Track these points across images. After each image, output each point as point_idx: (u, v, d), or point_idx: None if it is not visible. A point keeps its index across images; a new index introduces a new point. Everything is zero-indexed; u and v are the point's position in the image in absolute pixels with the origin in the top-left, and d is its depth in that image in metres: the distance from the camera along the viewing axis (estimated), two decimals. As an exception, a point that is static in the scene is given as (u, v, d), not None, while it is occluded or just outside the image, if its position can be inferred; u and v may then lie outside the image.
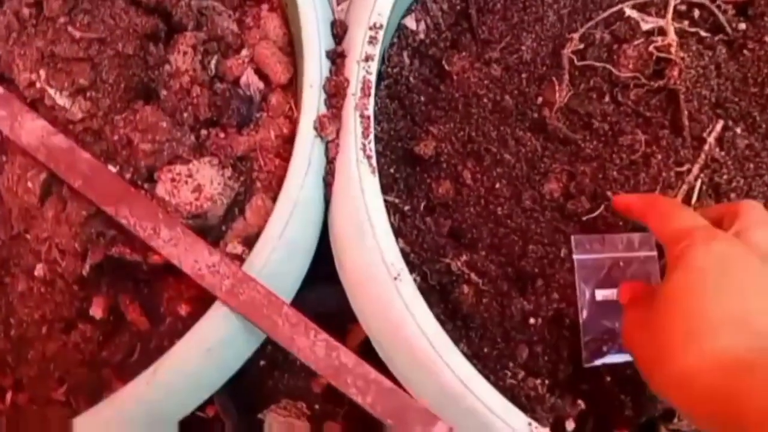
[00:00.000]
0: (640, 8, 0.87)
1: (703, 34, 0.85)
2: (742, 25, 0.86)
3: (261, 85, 0.76)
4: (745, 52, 0.84)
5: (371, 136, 0.68)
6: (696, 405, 0.49)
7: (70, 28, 0.65)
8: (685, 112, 0.77)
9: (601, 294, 0.69)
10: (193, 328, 0.62)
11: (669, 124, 0.78)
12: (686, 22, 0.87)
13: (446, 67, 0.80)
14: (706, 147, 0.75)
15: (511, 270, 0.74)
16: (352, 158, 0.68)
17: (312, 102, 0.69)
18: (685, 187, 0.74)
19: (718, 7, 0.87)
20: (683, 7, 0.88)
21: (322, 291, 0.78)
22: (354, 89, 0.69)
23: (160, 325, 0.69)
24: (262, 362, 0.94)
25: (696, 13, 0.88)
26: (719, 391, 0.47)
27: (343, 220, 0.70)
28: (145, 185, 0.67)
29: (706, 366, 0.48)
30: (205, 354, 0.63)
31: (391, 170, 0.77)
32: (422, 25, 0.83)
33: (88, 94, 0.67)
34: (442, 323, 0.71)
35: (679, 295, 0.52)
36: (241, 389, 0.87)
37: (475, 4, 0.83)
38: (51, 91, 0.66)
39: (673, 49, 0.80)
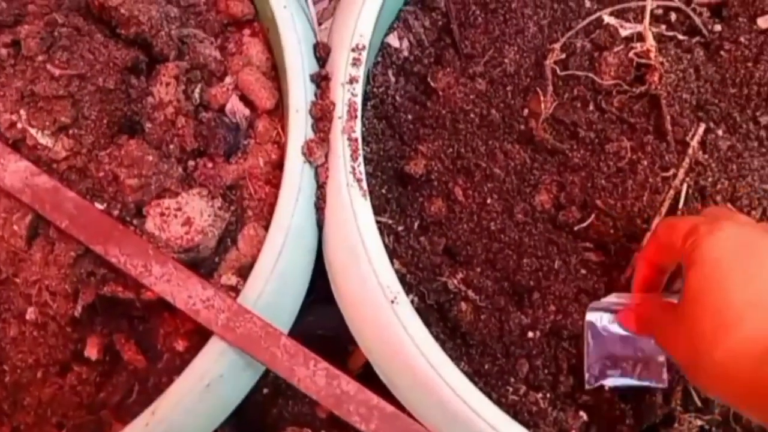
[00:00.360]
0: (618, 14, 0.87)
1: (680, 37, 0.86)
2: (718, 27, 0.87)
3: (247, 111, 0.75)
4: (722, 53, 0.84)
5: (360, 159, 0.68)
6: (736, 397, 0.49)
7: (49, 66, 0.64)
8: (668, 117, 0.77)
9: (606, 318, 0.69)
10: (190, 365, 0.62)
11: (653, 129, 0.79)
12: (663, 26, 0.87)
13: (432, 83, 0.80)
14: (690, 150, 0.75)
15: (507, 284, 0.74)
16: (342, 182, 0.67)
17: (299, 127, 0.69)
18: (671, 192, 0.74)
19: (693, 9, 0.87)
20: (660, 11, 0.89)
21: (322, 312, 0.78)
22: (340, 112, 0.69)
23: (158, 363, 0.68)
24: (265, 390, 0.93)
25: (673, 16, 0.89)
26: (754, 380, 0.47)
27: (336, 245, 0.69)
28: (134, 221, 0.66)
29: (738, 357, 0.48)
30: (204, 390, 0.62)
31: (383, 191, 0.76)
32: (405, 43, 0.83)
33: (70, 132, 0.66)
34: (442, 342, 0.72)
35: (700, 291, 0.52)
36: (246, 418, 0.86)
37: (457, 19, 0.83)
38: (33, 131, 0.64)
39: (652, 55, 0.80)
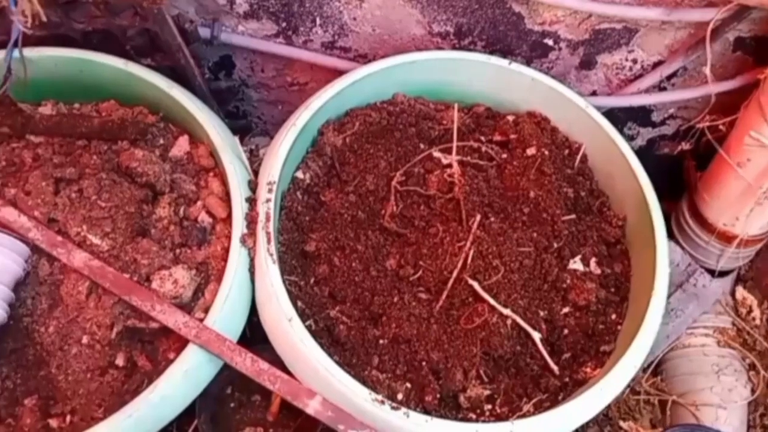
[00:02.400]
0: (443, 150, 1.42)
1: (481, 163, 1.40)
2: (504, 155, 1.41)
3: (210, 220, 1.27)
4: (506, 171, 1.38)
5: (273, 243, 1.19)
6: None
7: (99, 202, 1.18)
8: (464, 211, 1.30)
9: None
10: (176, 358, 1.11)
11: (457, 218, 1.30)
12: (474, 155, 1.41)
13: (322, 198, 1.33)
14: (472, 230, 1.26)
15: (366, 313, 1.23)
16: (262, 257, 1.18)
17: (238, 228, 1.21)
18: (463, 254, 1.25)
19: (488, 146, 1.42)
20: (475, 144, 1.44)
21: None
22: (262, 218, 1.21)
23: (159, 366, 1.16)
24: (232, 404, 1.39)
25: (483, 148, 1.43)
26: None
27: (261, 293, 1.20)
28: (145, 283, 1.17)
29: None
30: (184, 374, 1.10)
31: (293, 261, 1.27)
32: (307, 175, 1.36)
33: (110, 236, 1.18)
34: (329, 347, 1.20)
35: None
36: (219, 421, 1.33)
37: (338, 161, 1.37)
38: (90, 236, 1.17)
39: (456, 176, 1.33)
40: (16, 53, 1.21)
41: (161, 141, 1.33)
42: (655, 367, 1.54)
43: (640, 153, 1.39)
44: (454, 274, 1.24)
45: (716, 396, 1.42)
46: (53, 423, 1.12)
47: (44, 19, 1.11)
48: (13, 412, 1.11)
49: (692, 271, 1.50)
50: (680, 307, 1.48)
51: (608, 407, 1.54)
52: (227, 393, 1.37)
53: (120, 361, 1.16)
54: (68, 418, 1.14)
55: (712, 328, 1.52)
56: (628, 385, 1.55)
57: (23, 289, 1.16)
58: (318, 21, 1.50)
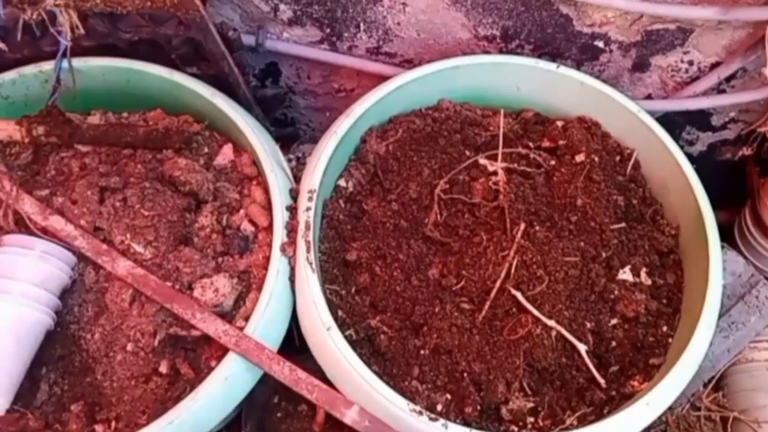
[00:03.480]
0: (489, 157, 1.39)
1: (528, 170, 1.36)
2: (552, 162, 1.37)
3: (252, 228, 1.28)
4: (554, 178, 1.34)
5: (312, 252, 1.18)
6: None
7: (142, 210, 1.19)
8: (508, 220, 1.26)
9: None
10: (216, 366, 1.11)
11: (501, 226, 1.27)
12: (522, 161, 1.38)
13: (364, 206, 1.32)
14: (516, 239, 1.23)
15: (407, 323, 1.21)
16: (302, 265, 1.18)
17: (279, 236, 1.21)
18: (507, 264, 1.22)
19: (536, 152, 1.38)
20: (523, 151, 1.40)
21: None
22: (302, 227, 1.21)
23: (201, 374, 1.17)
24: (278, 414, 1.40)
25: (531, 155, 1.40)
26: None
27: (301, 301, 1.19)
28: (187, 291, 1.18)
29: None
30: (224, 381, 1.11)
31: (334, 270, 1.26)
32: (350, 183, 1.35)
33: (153, 244, 1.19)
34: (369, 357, 1.18)
35: None
36: (265, 430, 1.33)
37: (380, 168, 1.36)
38: (133, 245, 1.18)
39: (501, 183, 1.30)
40: (64, 64, 1.25)
41: (206, 149, 1.34)
42: (717, 383, 1.47)
43: (700, 159, 1.34)
44: (498, 284, 1.21)
45: (779, 413, 1.36)
46: (99, 429, 1.13)
47: (82, 31, 1.13)
48: (60, 417, 1.14)
49: (755, 282, 1.42)
50: (742, 320, 1.42)
51: (666, 423, 1.50)
52: (274, 402, 1.37)
53: (163, 368, 1.17)
54: (113, 424, 1.15)
55: (775, 342, 1.45)
56: (689, 401, 1.49)
57: (70, 296, 1.18)
58: (362, 26, 1.49)
